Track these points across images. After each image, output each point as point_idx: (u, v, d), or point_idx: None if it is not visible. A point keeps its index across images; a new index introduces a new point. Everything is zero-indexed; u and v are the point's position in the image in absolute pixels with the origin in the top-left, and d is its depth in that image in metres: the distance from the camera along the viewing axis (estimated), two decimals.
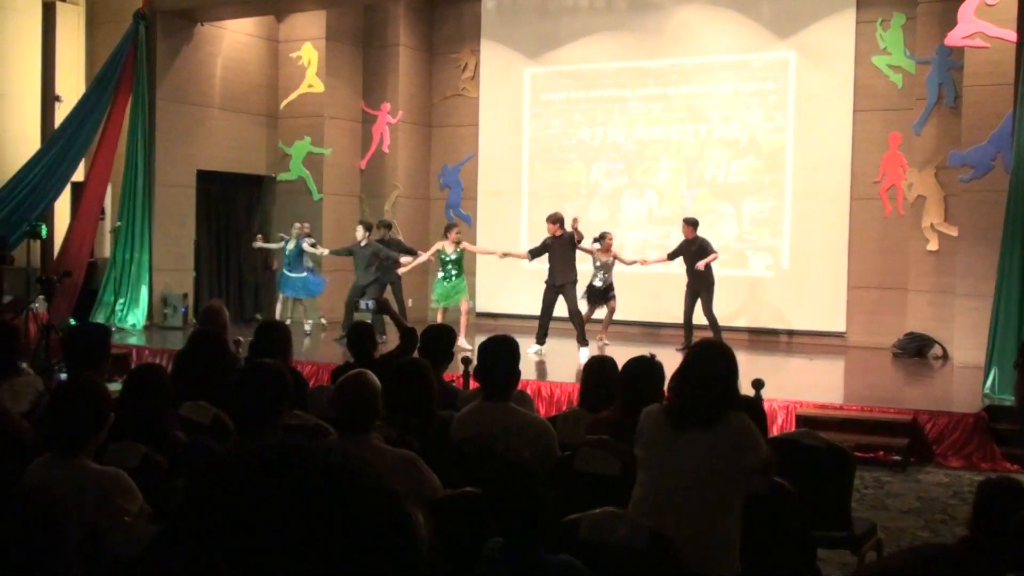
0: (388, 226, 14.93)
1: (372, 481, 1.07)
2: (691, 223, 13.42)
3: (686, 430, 3.85)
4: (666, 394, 4.18)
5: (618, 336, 14.20)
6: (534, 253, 13.08)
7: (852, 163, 14.79)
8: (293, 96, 17.16)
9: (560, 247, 12.67)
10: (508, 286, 16.72)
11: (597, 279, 13.48)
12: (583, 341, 12.38)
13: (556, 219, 12.77)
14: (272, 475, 1.05)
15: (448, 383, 6.52)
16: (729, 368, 3.97)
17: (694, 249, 13.29)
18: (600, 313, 13.68)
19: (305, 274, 15.10)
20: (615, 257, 13.58)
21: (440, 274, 13.30)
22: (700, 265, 13.11)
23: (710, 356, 4.02)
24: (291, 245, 15.10)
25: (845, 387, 12.21)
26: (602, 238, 13.49)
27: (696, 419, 3.85)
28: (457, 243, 13.28)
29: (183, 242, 15.78)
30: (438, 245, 13.37)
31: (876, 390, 11.10)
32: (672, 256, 13.67)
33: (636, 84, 16.25)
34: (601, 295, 13.50)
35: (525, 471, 3.22)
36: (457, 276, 13.20)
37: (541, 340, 12.59)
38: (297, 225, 15.34)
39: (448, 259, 13.18)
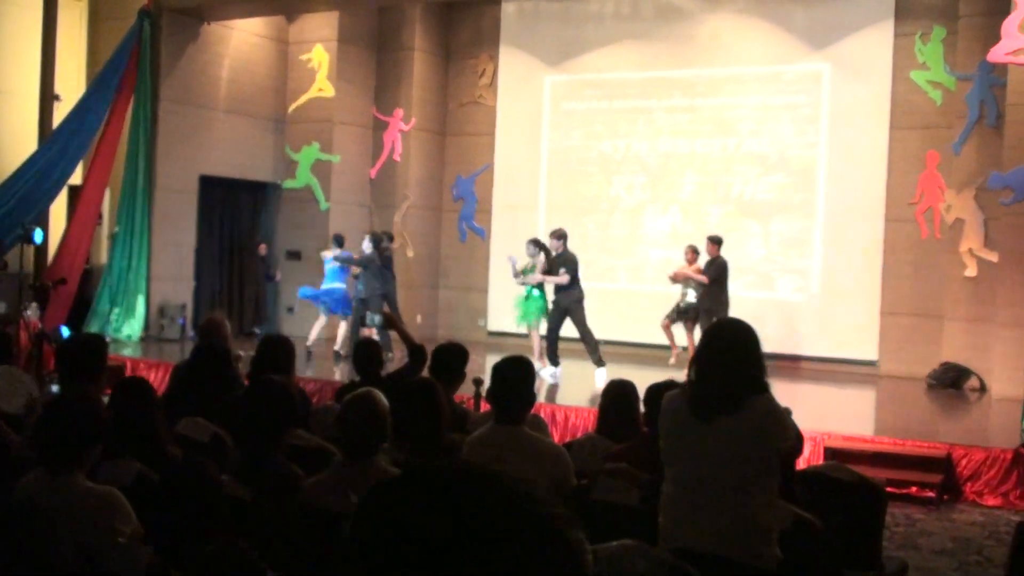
0: (391, 239, 14.94)
1: (544, 508, 1.10)
2: (715, 241, 13.35)
3: (709, 418, 3.78)
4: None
5: (636, 358, 14.17)
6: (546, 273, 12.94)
7: (887, 183, 14.76)
8: (302, 100, 17.23)
9: (564, 264, 12.61)
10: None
11: (688, 297, 13.39)
12: (599, 362, 12.34)
13: (560, 235, 12.74)
14: (448, 496, 1.07)
15: (459, 404, 6.51)
16: (750, 348, 3.89)
17: (713, 270, 13.23)
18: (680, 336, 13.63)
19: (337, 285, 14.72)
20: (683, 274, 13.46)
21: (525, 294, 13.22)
22: (676, 275, 13.17)
23: (729, 336, 3.95)
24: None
25: (876, 419, 12.16)
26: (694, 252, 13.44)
27: (719, 406, 3.78)
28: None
29: (183, 250, 15.84)
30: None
31: (909, 422, 11.04)
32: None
33: (662, 95, 16.27)
34: (685, 314, 13.39)
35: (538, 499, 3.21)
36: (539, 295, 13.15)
37: (554, 361, 12.54)
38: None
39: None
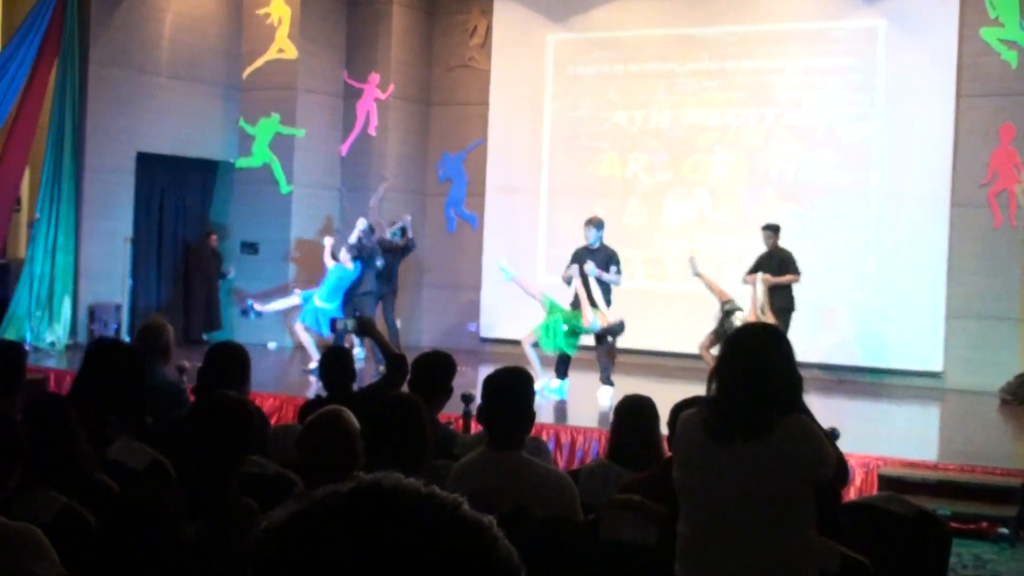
0: (403, 232, 14.79)
1: (470, 520, 1.11)
2: (774, 230, 13.28)
3: (732, 442, 3.75)
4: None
5: (654, 370, 14.17)
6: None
7: (954, 161, 14.76)
8: (259, 63, 17.21)
9: (592, 260, 12.57)
10: (516, 307, 16.62)
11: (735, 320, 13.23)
12: (608, 380, 12.30)
13: (591, 222, 12.69)
14: (357, 528, 1.08)
15: (445, 425, 6.52)
16: (781, 358, 3.85)
17: (775, 264, 13.16)
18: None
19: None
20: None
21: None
22: (769, 280, 12.99)
23: (755, 345, 3.92)
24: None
25: (940, 441, 12.17)
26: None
27: (742, 429, 3.74)
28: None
29: (117, 242, 15.79)
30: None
31: (979, 445, 11.04)
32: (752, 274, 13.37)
33: (686, 57, 16.26)
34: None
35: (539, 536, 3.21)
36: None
37: (562, 374, 12.53)
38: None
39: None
